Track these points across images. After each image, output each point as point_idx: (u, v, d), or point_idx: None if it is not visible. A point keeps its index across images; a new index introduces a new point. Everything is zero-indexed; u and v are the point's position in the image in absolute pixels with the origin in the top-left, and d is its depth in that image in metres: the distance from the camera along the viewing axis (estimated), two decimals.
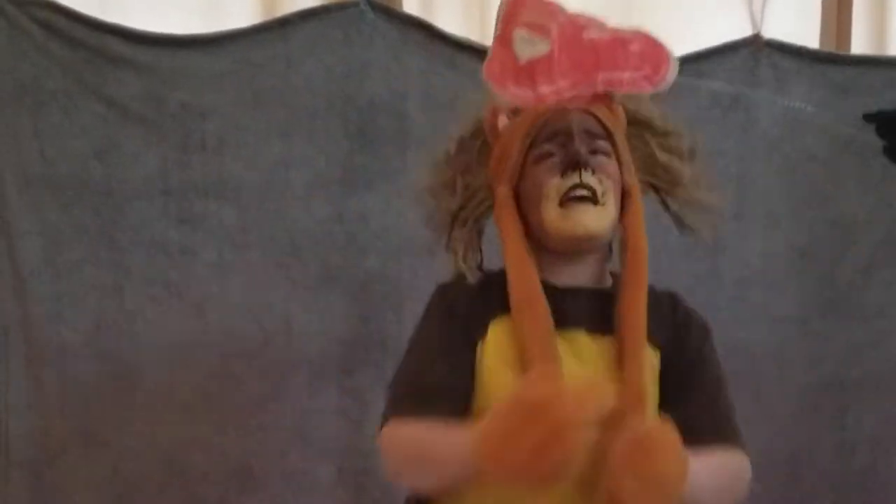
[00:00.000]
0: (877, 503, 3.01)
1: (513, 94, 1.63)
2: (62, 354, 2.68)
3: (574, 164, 1.79)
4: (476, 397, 1.80)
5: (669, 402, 1.83)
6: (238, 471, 2.74)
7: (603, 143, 1.85)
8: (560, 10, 1.67)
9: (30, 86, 2.65)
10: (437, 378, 1.79)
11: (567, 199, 1.79)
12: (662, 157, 1.98)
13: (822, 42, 3.08)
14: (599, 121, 1.86)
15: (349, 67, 2.73)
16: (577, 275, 1.87)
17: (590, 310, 1.83)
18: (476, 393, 1.81)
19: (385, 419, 1.81)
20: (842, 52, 3.06)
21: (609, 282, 1.92)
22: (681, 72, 2.83)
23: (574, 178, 1.79)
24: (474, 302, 1.85)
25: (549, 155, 1.83)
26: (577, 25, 1.63)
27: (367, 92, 2.74)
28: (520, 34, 1.63)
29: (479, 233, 1.98)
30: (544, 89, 1.63)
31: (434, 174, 2.01)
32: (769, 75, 2.91)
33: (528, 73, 1.63)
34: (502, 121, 1.91)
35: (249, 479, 2.74)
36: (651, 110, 2.00)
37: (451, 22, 2.91)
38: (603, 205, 1.80)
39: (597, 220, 1.79)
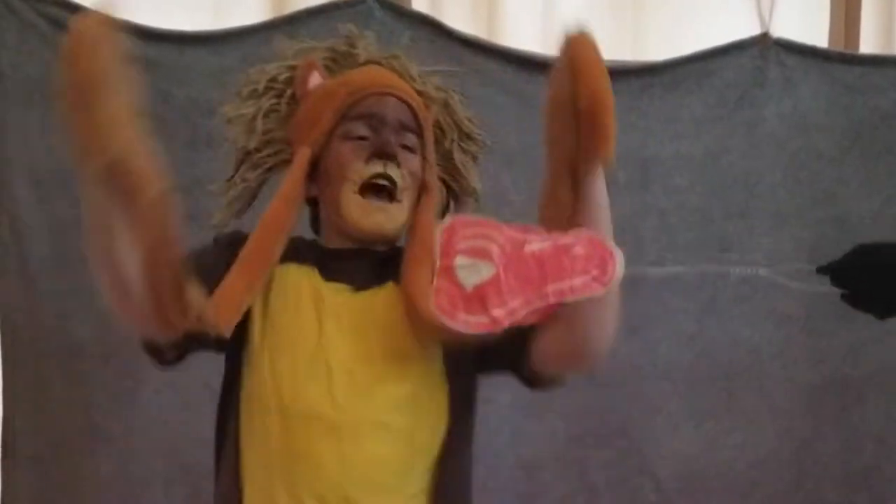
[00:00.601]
0: (881, 501, 3.00)
1: (466, 322, 1.63)
2: (69, 351, 2.69)
3: (381, 154, 1.79)
4: None
5: None
6: None
7: (412, 137, 1.86)
8: (496, 228, 1.68)
9: (38, 82, 2.65)
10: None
11: (367, 187, 1.79)
12: (458, 157, 1.98)
13: (830, 41, 3.08)
14: (414, 115, 1.87)
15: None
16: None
17: (362, 267, 1.81)
18: None
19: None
20: (850, 51, 3.05)
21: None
22: (689, 70, 2.88)
23: (378, 167, 1.79)
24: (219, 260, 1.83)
25: (359, 137, 1.82)
26: (516, 241, 1.63)
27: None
28: (461, 262, 1.64)
29: (262, 184, 1.96)
30: (498, 312, 1.63)
31: (237, 106, 1.98)
32: (777, 74, 2.91)
33: (479, 298, 1.62)
34: (314, 79, 1.91)
35: None
36: (462, 111, 2.01)
37: (458, 20, 2.92)
38: (399, 201, 1.81)
39: (391, 219, 1.80)
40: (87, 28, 1.50)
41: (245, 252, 1.78)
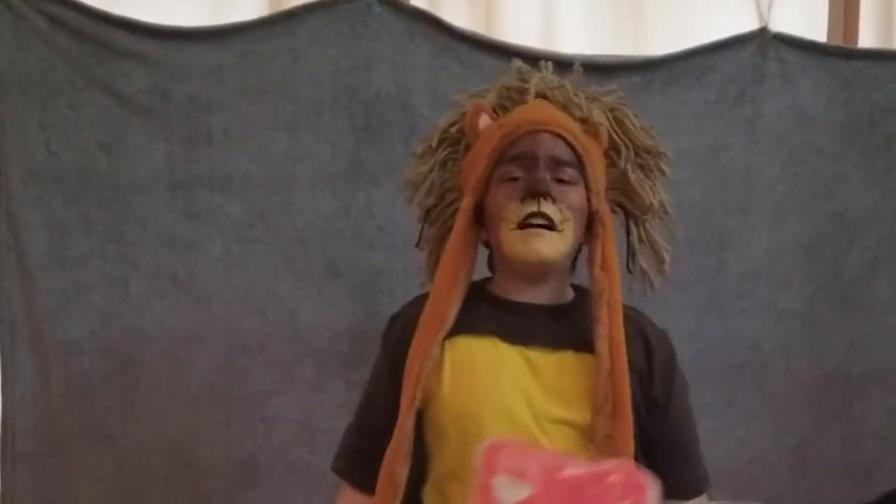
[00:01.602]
0: None
1: None
2: (68, 348, 2.68)
3: (534, 193, 1.82)
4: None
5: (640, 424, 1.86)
6: (243, 464, 2.74)
7: (570, 171, 1.88)
8: (537, 452, 1.71)
9: (36, 79, 2.65)
10: (382, 445, 1.88)
11: (524, 225, 1.83)
12: (634, 176, 2.01)
13: (829, 35, 3.07)
14: (570, 145, 1.89)
15: (355, 61, 2.72)
16: (536, 293, 1.91)
17: (545, 325, 1.87)
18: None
19: (339, 469, 2.02)
20: (849, 46, 3.04)
21: (569, 296, 1.96)
22: (688, 65, 2.88)
23: (532, 207, 1.83)
24: (410, 330, 1.90)
25: (514, 178, 1.86)
26: (555, 466, 1.66)
27: (374, 85, 2.73)
28: (500, 480, 1.66)
29: (447, 234, 2.00)
30: None
31: (414, 166, 2.05)
32: (776, 69, 2.90)
33: None
34: (484, 120, 1.95)
35: (254, 473, 2.74)
36: (636, 125, 2.04)
37: (457, 15, 2.91)
38: (560, 231, 1.84)
39: (551, 246, 1.83)
40: None
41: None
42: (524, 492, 1.63)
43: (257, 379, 2.73)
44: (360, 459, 1.97)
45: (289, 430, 2.74)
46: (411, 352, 1.86)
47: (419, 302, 1.95)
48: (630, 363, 1.83)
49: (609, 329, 1.82)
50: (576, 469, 1.65)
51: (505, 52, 2.80)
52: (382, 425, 1.89)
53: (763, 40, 2.89)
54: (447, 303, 1.86)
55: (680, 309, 2.89)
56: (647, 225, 2.06)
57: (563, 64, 2.84)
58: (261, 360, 2.72)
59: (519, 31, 2.95)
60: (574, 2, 3.01)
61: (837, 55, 2.96)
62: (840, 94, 2.95)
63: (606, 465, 1.67)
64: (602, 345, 1.81)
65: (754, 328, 2.94)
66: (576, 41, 2.99)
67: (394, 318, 2.02)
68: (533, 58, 2.80)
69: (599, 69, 2.82)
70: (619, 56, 2.91)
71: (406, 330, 1.92)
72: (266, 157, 2.72)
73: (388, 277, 2.75)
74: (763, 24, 2.89)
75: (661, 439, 1.90)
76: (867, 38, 3.12)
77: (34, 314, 2.67)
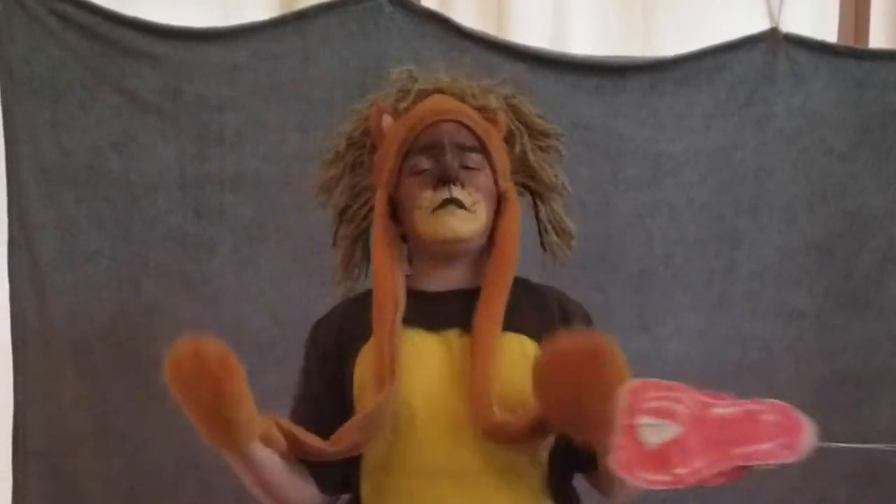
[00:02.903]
0: (892, 497, 3.00)
1: (646, 480, 1.65)
2: (78, 346, 2.69)
3: (445, 179, 1.88)
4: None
5: None
6: None
7: (474, 156, 1.94)
8: (682, 390, 1.69)
9: (47, 78, 2.66)
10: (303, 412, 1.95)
11: (437, 210, 1.88)
12: (533, 157, 2.06)
13: (839, 36, 3.07)
14: (472, 131, 1.94)
15: (366, 61, 2.73)
16: (450, 279, 1.96)
17: (461, 309, 1.89)
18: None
19: None
20: (860, 47, 3.04)
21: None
22: (699, 66, 2.88)
23: (444, 193, 1.88)
24: (343, 333, 1.96)
25: (422, 170, 1.92)
26: (703, 403, 1.63)
27: (385, 85, 2.73)
28: (644, 421, 1.64)
29: (362, 234, 2.09)
30: (681, 471, 1.64)
31: (324, 172, 2.10)
32: (787, 69, 2.91)
33: (661, 457, 1.63)
34: (386, 120, 2.01)
35: None
36: (531, 111, 2.09)
37: (468, 16, 2.91)
38: (473, 212, 1.89)
39: (464, 223, 1.89)
40: (208, 352, 1.70)
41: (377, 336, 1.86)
42: (671, 431, 1.61)
43: (267, 378, 2.71)
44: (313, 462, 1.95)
45: None
46: (374, 340, 1.86)
47: (343, 308, 2.03)
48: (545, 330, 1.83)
49: (489, 306, 1.86)
50: (726, 407, 1.63)
51: (515, 52, 2.81)
52: (327, 425, 1.88)
53: (774, 41, 2.90)
54: (394, 286, 1.89)
55: (689, 308, 2.90)
56: (553, 204, 2.09)
57: (574, 65, 2.86)
58: (271, 359, 2.71)
59: (529, 31, 2.95)
60: (584, 3, 3.00)
61: (848, 56, 2.96)
62: (851, 95, 2.95)
63: (759, 403, 1.65)
64: (480, 319, 1.85)
65: (764, 328, 2.94)
66: (586, 42, 2.99)
67: (318, 324, 2.05)
68: (544, 58, 2.82)
69: (610, 70, 2.83)
70: (629, 57, 2.91)
71: (332, 335, 1.98)
72: (277, 156, 2.73)
73: None
74: (774, 25, 2.89)
75: None
76: (878, 39, 3.11)
77: (45, 313, 2.68)
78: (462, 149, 1.92)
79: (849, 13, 3.06)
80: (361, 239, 2.09)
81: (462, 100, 2.02)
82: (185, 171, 2.71)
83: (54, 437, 2.69)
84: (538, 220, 2.09)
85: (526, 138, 2.06)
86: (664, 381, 1.68)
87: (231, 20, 2.76)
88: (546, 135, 2.10)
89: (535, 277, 2.03)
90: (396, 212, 1.96)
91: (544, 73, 2.81)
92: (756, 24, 2.91)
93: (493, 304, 1.86)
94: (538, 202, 2.09)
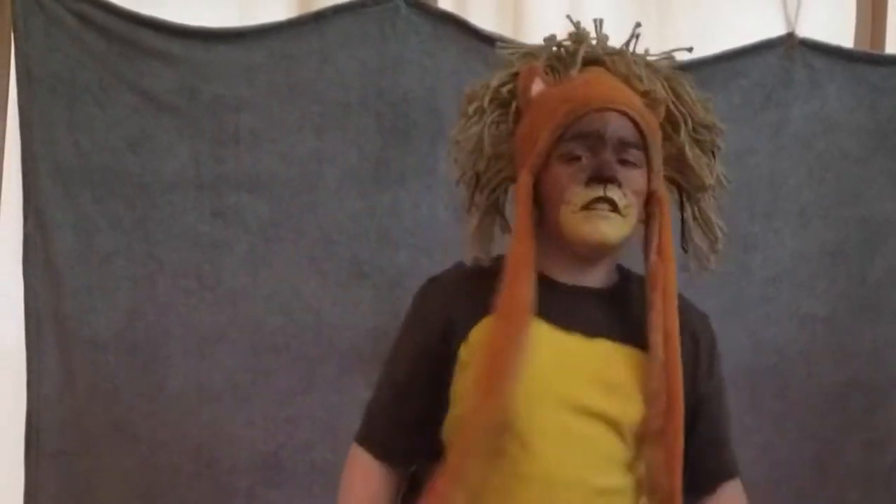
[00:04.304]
0: None
1: None
2: (93, 346, 2.69)
3: (601, 178, 1.74)
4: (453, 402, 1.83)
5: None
6: (266, 463, 2.75)
7: (635, 153, 1.79)
8: None
9: (65, 77, 2.67)
10: (408, 413, 1.87)
11: (588, 207, 1.75)
12: (691, 153, 1.91)
13: (856, 41, 3.07)
14: (637, 126, 1.79)
15: (383, 62, 2.73)
16: (587, 275, 1.85)
17: (592, 312, 1.82)
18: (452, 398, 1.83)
19: (358, 438, 1.93)
20: (876, 52, 3.04)
21: (614, 279, 1.90)
22: (715, 70, 2.88)
23: (598, 192, 1.74)
24: (457, 303, 1.85)
25: (577, 158, 1.77)
26: None
27: (401, 87, 2.74)
28: None
29: (497, 202, 1.94)
30: None
31: (463, 126, 1.93)
32: (803, 74, 2.90)
33: None
34: (537, 85, 1.85)
35: (277, 471, 2.74)
36: (693, 97, 1.93)
37: (484, 18, 2.92)
38: (625, 216, 1.76)
39: (615, 229, 1.76)
40: None
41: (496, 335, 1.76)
42: None
43: (281, 378, 2.74)
44: (387, 428, 1.90)
45: (312, 429, 2.75)
46: (491, 343, 1.74)
47: (462, 277, 1.90)
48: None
49: (663, 319, 1.76)
50: None
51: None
52: (415, 393, 1.85)
53: (790, 45, 2.89)
54: (528, 291, 1.74)
55: None
56: (702, 203, 1.96)
57: None
58: (285, 359, 2.73)
59: (545, 33, 2.93)
60: (600, 5, 2.99)
61: (864, 61, 2.96)
62: (867, 100, 2.95)
63: None
64: (656, 336, 1.76)
65: (777, 333, 2.94)
66: None
67: (433, 281, 1.94)
68: None
69: None
70: None
71: (448, 296, 1.87)
72: (293, 157, 2.73)
73: (412, 278, 2.73)
74: (790, 30, 2.89)
75: (704, 427, 1.88)
76: (895, 44, 3.10)
77: (60, 312, 2.68)
78: (624, 144, 1.77)
79: (865, 18, 3.06)
80: (492, 211, 1.93)
81: (627, 81, 1.87)
82: (201, 170, 2.72)
83: (68, 436, 2.70)
84: (683, 219, 1.96)
85: (686, 130, 1.90)
86: None
87: (248, 19, 2.77)
88: (706, 127, 1.94)
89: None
90: (537, 194, 1.81)
91: None
92: (772, 29, 2.91)
93: (673, 328, 1.77)
94: (685, 200, 1.95)
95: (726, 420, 1.98)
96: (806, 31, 2.91)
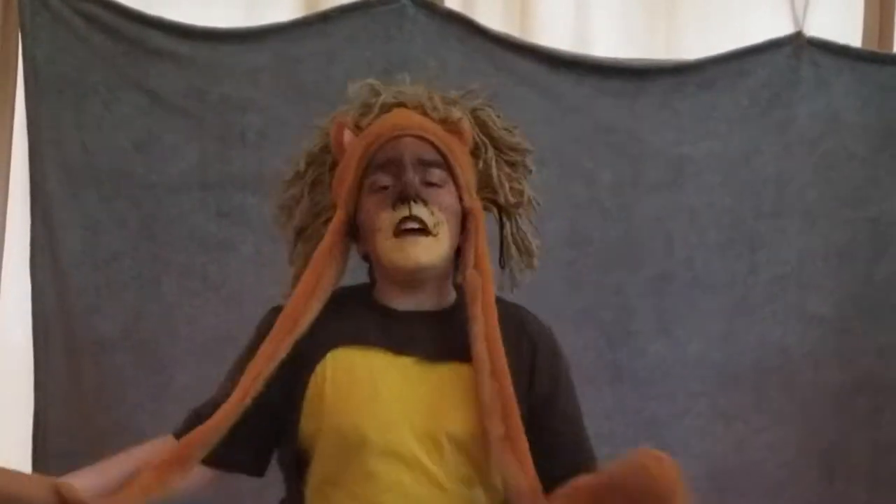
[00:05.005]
0: None
1: None
2: (100, 346, 2.70)
3: (405, 198, 1.81)
4: None
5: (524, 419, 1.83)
6: (273, 463, 2.74)
7: (437, 172, 1.87)
8: None
9: (72, 78, 2.68)
10: (216, 400, 1.91)
11: (399, 232, 1.81)
12: (497, 172, 1.97)
13: (864, 40, 3.07)
14: (433, 145, 1.88)
15: (389, 63, 2.72)
16: (418, 299, 1.90)
17: (427, 335, 1.85)
18: None
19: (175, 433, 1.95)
20: (884, 51, 3.04)
21: (452, 299, 1.94)
22: (722, 69, 2.88)
23: (404, 211, 1.81)
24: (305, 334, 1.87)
25: (382, 187, 1.85)
26: None
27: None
28: None
29: None
30: None
31: (284, 191, 2.03)
32: (811, 73, 2.90)
33: None
34: (347, 136, 1.93)
35: None
36: (497, 124, 2.01)
37: (491, 18, 2.92)
38: (435, 235, 1.82)
39: (428, 251, 1.81)
40: None
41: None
42: None
43: None
44: (194, 422, 1.93)
45: None
46: (260, 349, 1.85)
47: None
48: (510, 363, 1.80)
49: (486, 328, 1.80)
50: None
51: (538, 54, 2.81)
52: (242, 422, 1.86)
53: (797, 45, 2.89)
54: (303, 309, 1.84)
55: (709, 312, 2.89)
56: (519, 220, 2.02)
57: (596, 67, 2.85)
58: None
59: (553, 33, 2.95)
60: (608, 5, 3.00)
61: (872, 60, 2.96)
62: (874, 99, 2.94)
63: None
64: (480, 346, 1.79)
65: (783, 333, 2.94)
66: (609, 44, 2.99)
67: (274, 310, 1.98)
68: (566, 60, 2.82)
69: (632, 73, 2.83)
70: (652, 60, 2.91)
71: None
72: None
73: None
74: (798, 29, 2.89)
75: (549, 432, 1.87)
76: None
77: (67, 312, 2.69)
78: (424, 164, 1.86)
79: (873, 18, 3.05)
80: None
81: (424, 113, 1.94)
82: (207, 171, 2.72)
83: (75, 436, 2.69)
84: (501, 237, 2.02)
85: (490, 152, 1.98)
86: None
87: (255, 19, 2.78)
88: (513, 149, 2.01)
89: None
90: (356, 231, 1.91)
91: (566, 75, 2.81)
92: (780, 28, 2.91)
93: (495, 341, 1.80)
94: (503, 218, 2.01)
95: (579, 424, 1.96)
96: (814, 30, 2.91)
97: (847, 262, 2.96)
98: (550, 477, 1.73)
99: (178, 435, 1.93)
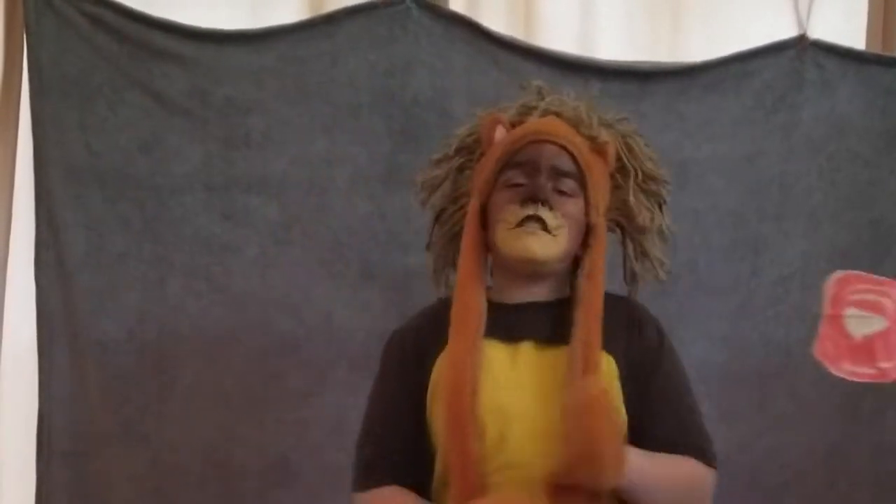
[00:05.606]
0: None
1: (850, 372, 1.63)
2: (104, 347, 2.70)
3: (534, 198, 1.93)
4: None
5: (632, 410, 1.91)
6: (276, 464, 2.75)
7: (570, 182, 1.98)
8: (892, 285, 1.66)
9: (76, 79, 2.68)
10: (402, 443, 1.95)
11: (519, 226, 1.92)
12: (634, 200, 2.08)
13: (868, 43, 3.06)
14: (573, 158, 1.97)
15: (393, 64, 2.74)
16: (531, 292, 1.99)
17: (540, 321, 1.94)
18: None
19: (357, 484, 1.97)
20: (888, 54, 3.03)
21: (565, 293, 2.02)
22: (726, 72, 2.87)
23: (530, 210, 1.93)
24: (423, 340, 1.99)
25: (516, 184, 1.97)
26: None
27: (411, 89, 2.75)
28: (851, 313, 1.63)
29: (456, 237, 2.10)
30: (885, 365, 1.62)
31: (429, 170, 2.16)
32: (814, 76, 2.89)
33: (866, 349, 1.62)
34: (499, 132, 2.05)
35: (287, 473, 2.75)
36: (644, 153, 2.12)
37: (495, 20, 2.92)
38: (554, 236, 1.92)
39: (544, 246, 1.92)
40: None
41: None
42: (878, 324, 1.59)
43: (291, 380, 2.75)
44: (394, 457, 1.96)
45: (322, 431, 2.75)
46: (450, 355, 1.89)
47: (421, 317, 2.08)
48: (615, 353, 1.91)
49: (586, 333, 1.87)
50: None
51: (542, 57, 2.81)
52: (403, 437, 1.95)
53: (801, 47, 2.88)
54: (478, 297, 1.94)
55: (713, 314, 2.89)
56: (645, 244, 2.12)
57: (600, 69, 2.85)
58: (295, 361, 2.73)
59: (557, 36, 2.95)
60: (612, 7, 3.00)
61: (876, 62, 2.95)
62: (878, 102, 2.94)
63: None
64: (577, 345, 1.86)
65: (787, 334, 2.92)
66: (614, 46, 2.99)
67: (396, 333, 2.08)
68: (570, 63, 2.82)
69: (637, 75, 2.83)
70: (656, 62, 2.91)
71: (410, 342, 2.02)
72: (303, 159, 2.74)
73: (422, 280, 2.71)
74: (802, 31, 2.88)
75: (653, 403, 1.94)
76: None
77: (71, 313, 2.69)
78: (558, 173, 1.96)
79: (877, 20, 3.05)
80: (453, 244, 2.11)
81: (576, 127, 2.04)
82: (211, 173, 2.72)
83: (79, 436, 2.71)
84: (624, 255, 2.12)
85: (632, 178, 2.08)
86: (874, 275, 1.65)
87: (259, 22, 2.78)
88: (653, 178, 2.12)
89: None
90: (486, 221, 2.00)
91: (571, 78, 2.80)
92: (784, 31, 2.90)
93: (593, 319, 1.88)
94: (627, 240, 2.11)
95: (686, 402, 2.03)
96: (818, 32, 2.90)
97: (851, 264, 2.94)
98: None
99: (374, 478, 1.96)
